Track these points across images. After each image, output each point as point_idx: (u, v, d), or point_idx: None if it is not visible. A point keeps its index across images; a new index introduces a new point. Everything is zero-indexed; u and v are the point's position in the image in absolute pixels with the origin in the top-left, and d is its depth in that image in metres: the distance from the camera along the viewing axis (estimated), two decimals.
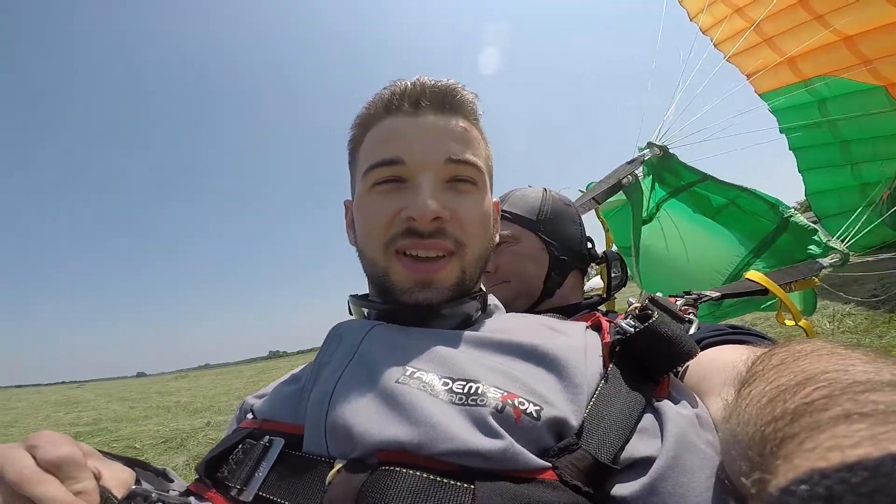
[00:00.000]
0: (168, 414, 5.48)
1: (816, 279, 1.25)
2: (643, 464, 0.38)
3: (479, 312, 0.62)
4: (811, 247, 1.43)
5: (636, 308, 0.56)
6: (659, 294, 0.75)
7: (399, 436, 0.38)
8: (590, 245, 1.11)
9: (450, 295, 0.57)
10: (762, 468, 0.24)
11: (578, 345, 0.49)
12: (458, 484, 0.35)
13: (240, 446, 0.47)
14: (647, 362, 0.47)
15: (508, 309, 0.71)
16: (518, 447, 0.37)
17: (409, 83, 0.60)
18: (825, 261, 1.37)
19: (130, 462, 0.48)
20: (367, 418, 0.41)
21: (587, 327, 0.55)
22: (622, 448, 0.39)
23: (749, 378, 0.36)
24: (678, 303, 0.90)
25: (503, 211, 1.01)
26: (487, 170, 0.64)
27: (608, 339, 0.51)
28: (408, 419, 0.39)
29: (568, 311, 0.91)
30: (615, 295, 1.13)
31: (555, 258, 1.02)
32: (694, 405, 0.46)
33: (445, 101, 0.60)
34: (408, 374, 0.44)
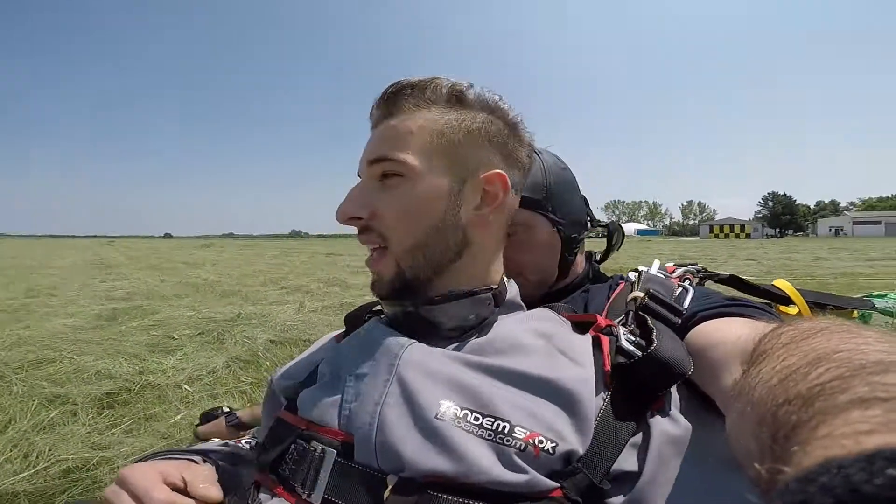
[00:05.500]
0: (197, 294, 5.57)
1: (855, 313, 1.18)
2: (629, 478, 0.46)
3: (474, 318, 0.61)
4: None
5: (634, 307, 0.67)
6: (659, 274, 0.81)
7: (442, 467, 0.45)
8: (587, 207, 1.01)
9: (393, 286, 0.61)
10: (775, 455, 0.24)
11: (589, 376, 0.52)
12: None
13: (292, 446, 0.54)
14: (646, 383, 0.52)
15: (525, 299, 0.72)
16: (538, 477, 0.44)
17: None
18: (881, 304, 1.37)
19: (201, 452, 0.66)
20: (414, 448, 0.46)
21: (592, 338, 0.59)
22: (611, 463, 0.46)
23: (757, 357, 0.36)
24: (676, 272, 0.90)
25: None
26: (434, 150, 0.61)
27: (609, 366, 0.54)
28: (448, 454, 0.45)
29: (575, 287, 0.93)
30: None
31: (566, 238, 0.91)
32: (685, 421, 0.51)
33: (389, 106, 0.63)
34: (443, 408, 0.48)
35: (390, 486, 0.45)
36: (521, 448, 0.45)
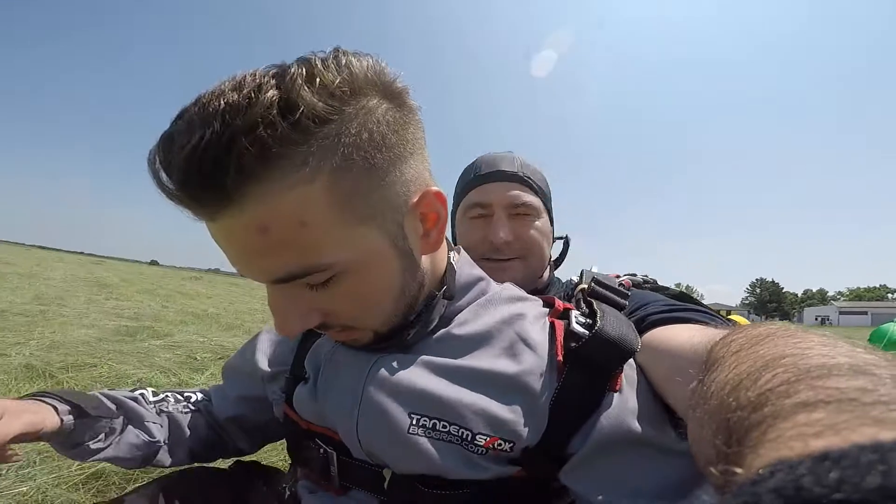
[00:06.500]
0: (202, 323, 5.51)
1: None
2: (578, 451, 0.52)
3: (436, 319, 0.59)
4: None
5: (581, 294, 0.72)
6: (596, 270, 0.86)
7: (422, 470, 0.53)
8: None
9: (373, 341, 0.58)
10: (729, 458, 0.25)
11: (544, 367, 0.55)
12: (463, 491, 0.53)
13: (302, 442, 0.64)
14: (598, 362, 0.54)
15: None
16: (501, 468, 0.52)
17: (154, 156, 0.42)
18: None
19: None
20: (394, 458, 0.54)
21: (547, 318, 0.61)
22: (567, 443, 0.52)
23: (710, 365, 0.37)
24: (620, 279, 0.90)
25: (527, 178, 0.89)
26: (347, 219, 0.46)
27: (561, 355, 0.55)
28: (426, 461, 0.52)
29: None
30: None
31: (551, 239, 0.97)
32: (641, 400, 0.54)
33: (215, 196, 0.41)
34: (414, 422, 0.53)
35: (388, 478, 0.55)
36: (483, 452, 0.52)
